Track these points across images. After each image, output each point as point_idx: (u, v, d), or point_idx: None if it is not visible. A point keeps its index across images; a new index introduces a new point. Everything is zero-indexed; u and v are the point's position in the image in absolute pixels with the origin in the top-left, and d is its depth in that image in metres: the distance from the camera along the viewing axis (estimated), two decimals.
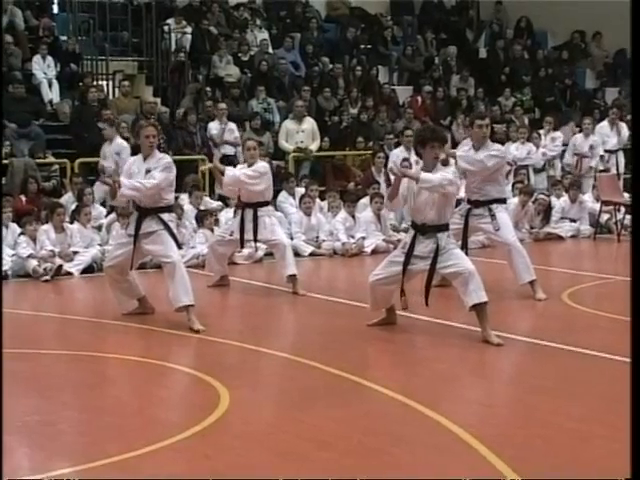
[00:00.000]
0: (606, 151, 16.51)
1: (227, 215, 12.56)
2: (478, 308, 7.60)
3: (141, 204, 8.42)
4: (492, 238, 9.87)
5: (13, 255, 10.89)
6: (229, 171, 9.89)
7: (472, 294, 7.53)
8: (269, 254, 11.86)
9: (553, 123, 16.73)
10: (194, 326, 8.10)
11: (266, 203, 10.15)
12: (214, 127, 14.95)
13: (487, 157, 9.36)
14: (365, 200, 13.63)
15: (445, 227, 7.78)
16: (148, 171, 8.32)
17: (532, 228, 14.16)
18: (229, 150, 14.93)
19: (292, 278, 9.94)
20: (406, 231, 13.20)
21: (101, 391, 6.42)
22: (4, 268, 10.52)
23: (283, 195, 13.66)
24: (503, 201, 9.86)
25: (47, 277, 10.62)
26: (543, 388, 6.57)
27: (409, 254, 7.71)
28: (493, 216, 9.52)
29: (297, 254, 11.08)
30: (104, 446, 5.18)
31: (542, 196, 14.55)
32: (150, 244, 8.35)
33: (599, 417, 5.72)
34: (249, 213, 9.98)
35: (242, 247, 10.59)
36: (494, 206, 9.57)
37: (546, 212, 14.31)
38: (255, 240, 10.15)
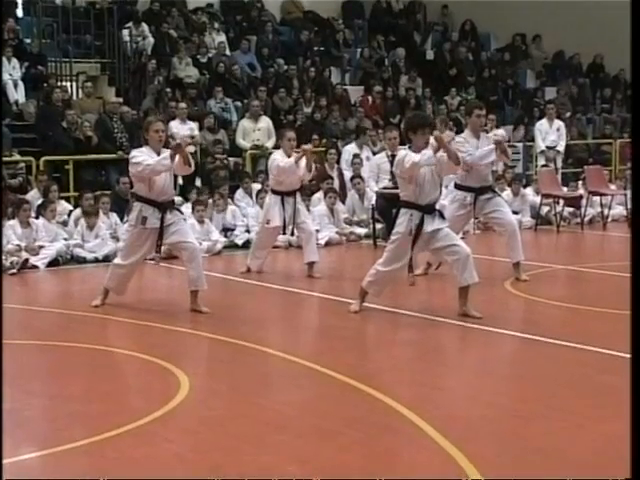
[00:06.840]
0: (547, 147, 16.71)
1: (187, 211, 12.46)
2: (466, 287, 7.99)
3: (163, 197, 8.38)
4: (498, 218, 9.89)
5: None
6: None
7: (467, 275, 7.90)
8: (228, 247, 11.96)
9: (496, 120, 16.83)
10: (203, 309, 8.35)
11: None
12: (175, 126, 14.87)
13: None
14: (319, 194, 13.64)
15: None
16: None
17: (476, 218, 14.21)
18: (189, 148, 14.86)
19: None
20: (358, 224, 13.39)
21: (67, 379, 6.37)
22: None
23: (240, 193, 13.71)
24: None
25: (13, 270, 10.51)
26: (487, 371, 6.64)
27: (417, 236, 7.85)
28: (499, 196, 9.98)
29: None
30: (69, 431, 5.15)
31: None
32: (172, 234, 8.41)
33: (539, 398, 5.77)
34: None
35: None
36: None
37: None
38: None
